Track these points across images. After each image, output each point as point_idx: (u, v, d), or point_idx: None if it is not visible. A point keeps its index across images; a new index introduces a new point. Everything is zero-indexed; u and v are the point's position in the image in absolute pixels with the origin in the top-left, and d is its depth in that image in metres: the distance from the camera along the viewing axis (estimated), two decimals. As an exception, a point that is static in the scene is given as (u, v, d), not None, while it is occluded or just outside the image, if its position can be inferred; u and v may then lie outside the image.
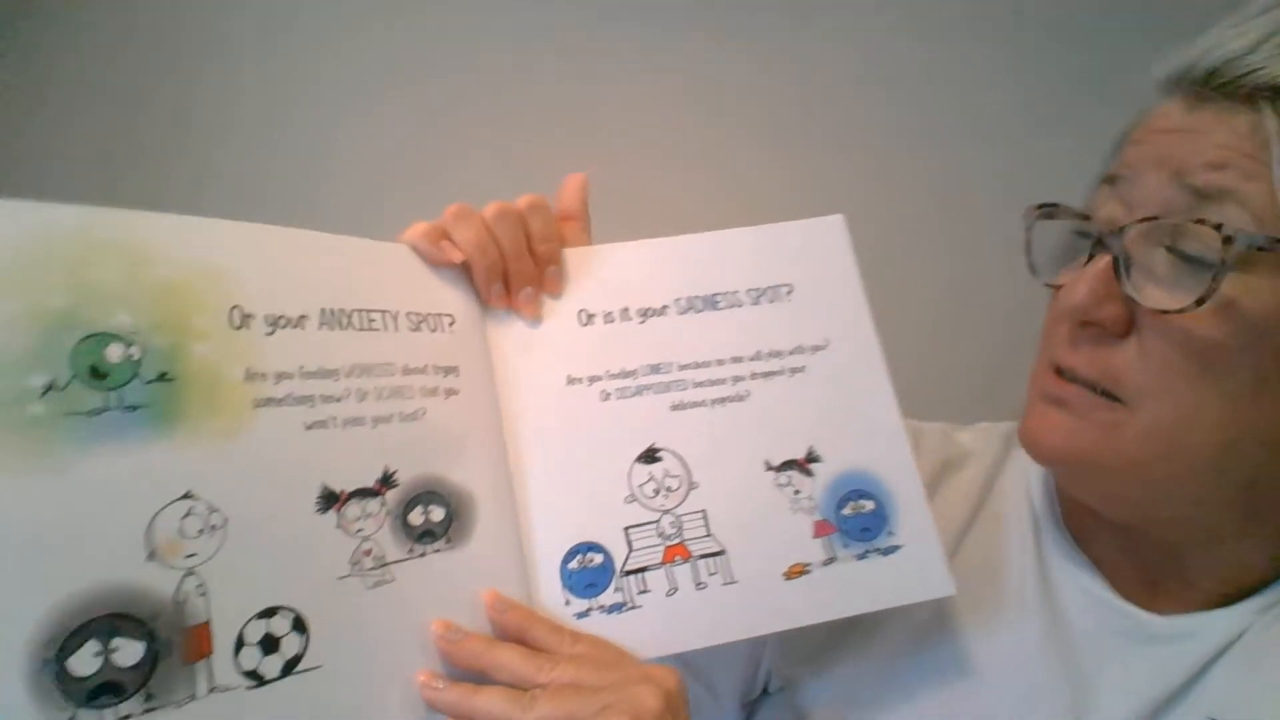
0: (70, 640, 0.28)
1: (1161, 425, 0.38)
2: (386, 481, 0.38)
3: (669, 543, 0.41)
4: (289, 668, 0.33)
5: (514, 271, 0.42)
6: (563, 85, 1.08)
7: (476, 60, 1.08)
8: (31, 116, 1.09)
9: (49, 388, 0.29)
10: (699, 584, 0.41)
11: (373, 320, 0.38)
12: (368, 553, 0.37)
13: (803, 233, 0.47)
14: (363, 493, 0.37)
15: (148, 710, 0.29)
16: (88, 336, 0.31)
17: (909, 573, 0.42)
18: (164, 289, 0.33)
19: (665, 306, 0.45)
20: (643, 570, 0.41)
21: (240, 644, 0.32)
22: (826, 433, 0.44)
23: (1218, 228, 0.35)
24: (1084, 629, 0.45)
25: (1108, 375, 0.39)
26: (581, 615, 0.40)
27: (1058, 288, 0.42)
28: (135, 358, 0.31)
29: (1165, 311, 0.37)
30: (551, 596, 0.40)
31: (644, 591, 0.40)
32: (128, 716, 0.29)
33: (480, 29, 1.09)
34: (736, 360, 0.44)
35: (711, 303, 0.45)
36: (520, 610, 0.39)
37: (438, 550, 0.39)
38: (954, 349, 1.00)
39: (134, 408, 0.31)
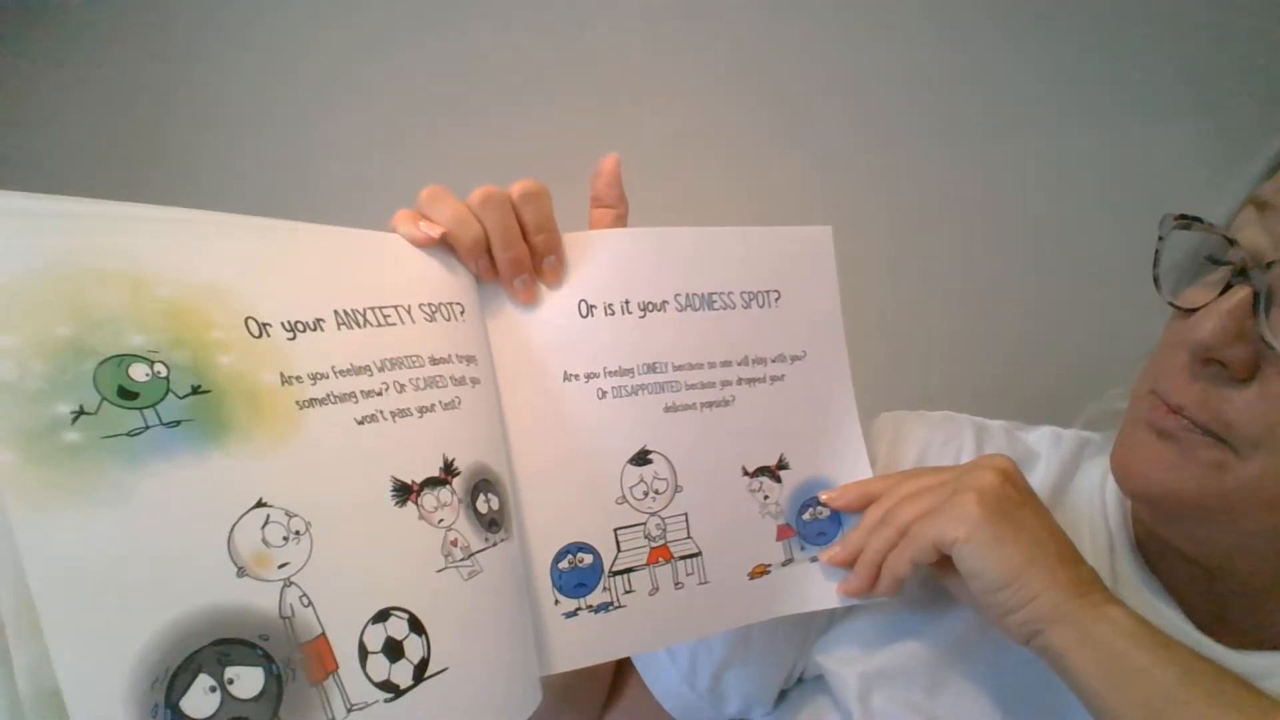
0: (178, 678, 0.24)
1: (1271, 476, 0.35)
2: (449, 470, 0.35)
3: (654, 544, 0.41)
4: (420, 673, 0.29)
5: (509, 258, 0.40)
6: (566, 70, 1.00)
7: (474, 47, 1.01)
8: (16, 110, 1.02)
9: (79, 413, 0.26)
10: (677, 584, 0.42)
11: (388, 316, 0.36)
12: (454, 543, 0.33)
13: (793, 240, 0.46)
14: (432, 482, 0.34)
15: (287, 744, 0.25)
16: (107, 359, 0.27)
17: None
18: (172, 309, 0.30)
19: (665, 302, 0.43)
20: (629, 571, 0.41)
21: (364, 653, 0.28)
22: (796, 441, 0.45)
23: None
24: None
25: (1219, 421, 0.36)
26: (570, 615, 0.39)
27: (1180, 309, 0.39)
28: (162, 375, 0.28)
29: None
30: (541, 595, 0.39)
31: (629, 591, 0.40)
32: (267, 755, 0.24)
33: (476, 15, 1.01)
34: (725, 364, 0.44)
35: (708, 301, 0.44)
36: (851, 486, 0.45)
37: (504, 540, 0.36)
38: (966, 351, 0.97)
39: (175, 423, 0.27)
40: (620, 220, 0.44)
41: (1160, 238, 0.40)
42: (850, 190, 0.97)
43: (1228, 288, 0.36)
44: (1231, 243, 0.37)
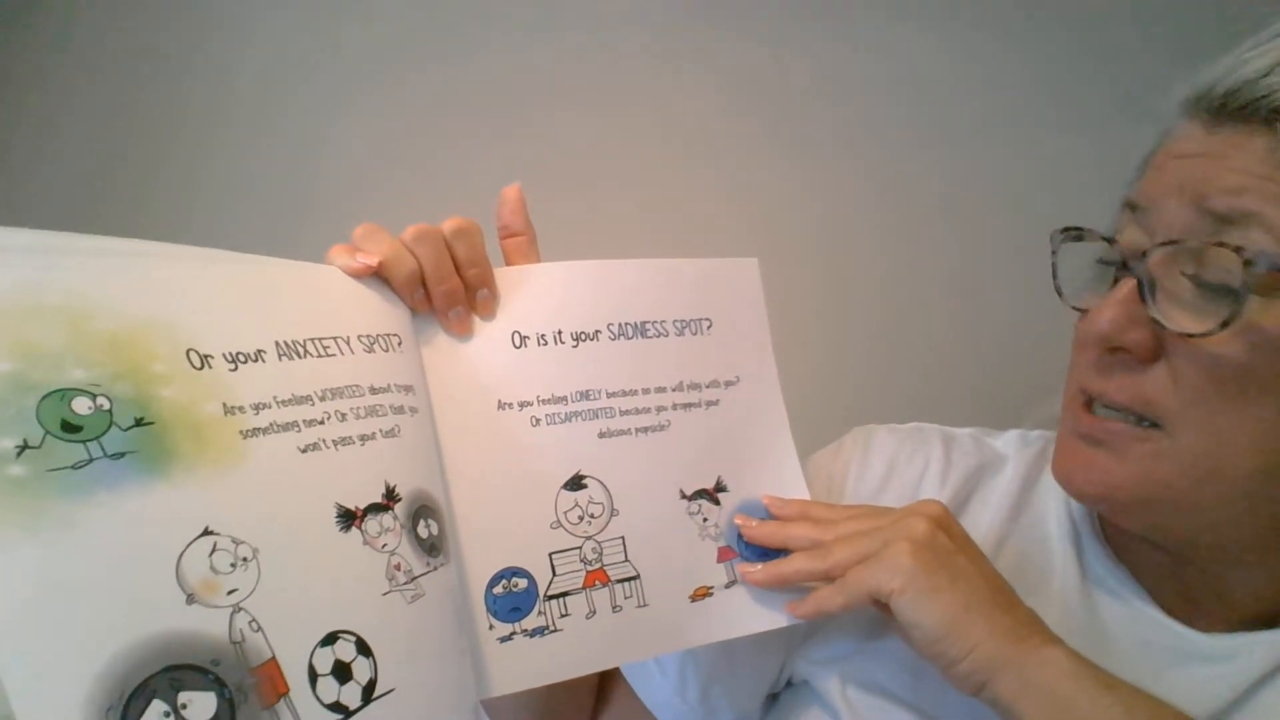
0: (132, 704, 0.24)
1: (1200, 450, 0.37)
2: (391, 496, 0.36)
3: (590, 568, 0.42)
4: (368, 694, 0.30)
5: (443, 291, 0.41)
6: (560, 78, 1.00)
7: (468, 55, 1.00)
8: (21, 114, 0.99)
9: (23, 447, 0.26)
10: (615, 607, 0.42)
11: (327, 347, 0.37)
12: (398, 567, 0.34)
13: (723, 270, 0.48)
14: (375, 508, 0.35)
15: (241, 766, 0.25)
16: (49, 394, 0.27)
17: (797, 596, 0.44)
18: (112, 342, 0.30)
19: (598, 331, 0.44)
20: (564, 595, 0.41)
21: (314, 676, 0.29)
22: (733, 464, 0.46)
23: (1238, 250, 0.34)
24: (1127, 643, 0.44)
25: (1140, 400, 0.38)
26: (505, 639, 0.40)
27: (1084, 312, 0.41)
28: (105, 408, 0.28)
29: (1191, 336, 0.36)
30: (477, 619, 0.40)
31: (565, 615, 0.41)
32: (222, 779, 0.25)
33: (472, 21, 1.00)
34: (660, 390, 0.45)
35: (641, 330, 0.45)
36: (796, 501, 0.46)
37: (443, 564, 0.37)
38: (955, 357, 0.97)
39: (120, 455, 0.28)
40: (531, 245, 0.45)
41: (1053, 251, 0.43)
42: (836, 193, 0.98)
43: (1116, 282, 0.39)
44: (1111, 243, 0.41)
